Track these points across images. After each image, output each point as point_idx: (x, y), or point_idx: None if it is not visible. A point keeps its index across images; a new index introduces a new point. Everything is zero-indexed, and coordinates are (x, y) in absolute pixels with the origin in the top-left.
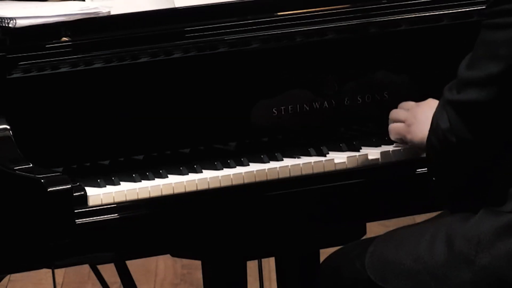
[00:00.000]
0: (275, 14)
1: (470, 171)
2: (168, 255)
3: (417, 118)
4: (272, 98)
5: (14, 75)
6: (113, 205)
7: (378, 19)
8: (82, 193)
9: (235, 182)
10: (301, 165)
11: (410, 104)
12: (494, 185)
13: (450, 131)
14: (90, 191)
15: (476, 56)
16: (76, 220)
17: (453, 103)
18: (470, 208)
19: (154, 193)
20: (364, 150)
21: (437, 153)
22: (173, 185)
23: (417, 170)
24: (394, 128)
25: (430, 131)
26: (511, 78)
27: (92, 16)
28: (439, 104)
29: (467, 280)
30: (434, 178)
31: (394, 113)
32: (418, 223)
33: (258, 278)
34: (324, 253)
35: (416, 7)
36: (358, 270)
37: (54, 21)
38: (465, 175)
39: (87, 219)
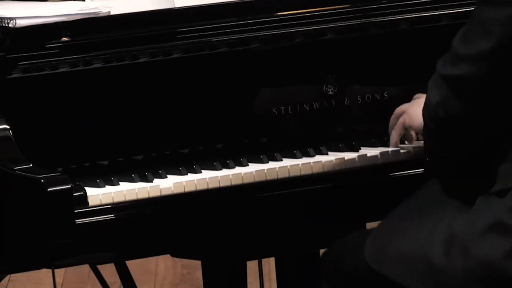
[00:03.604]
0: (275, 14)
1: (459, 147)
2: (168, 255)
3: (414, 105)
4: (272, 98)
5: (14, 75)
6: (112, 205)
7: (378, 19)
8: (82, 193)
9: (234, 183)
10: (300, 165)
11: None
12: (485, 164)
13: (440, 105)
14: (89, 191)
15: (470, 31)
16: (76, 220)
17: (445, 77)
18: (467, 192)
19: (153, 193)
20: (363, 150)
21: (427, 129)
22: (172, 185)
23: (417, 170)
24: (401, 120)
25: (423, 108)
26: (502, 55)
27: (92, 16)
28: (431, 79)
29: (460, 269)
30: (427, 159)
31: (397, 109)
32: (420, 214)
33: (258, 278)
34: None
35: (416, 7)
36: (360, 258)
37: (54, 21)
38: (455, 152)
39: (87, 219)
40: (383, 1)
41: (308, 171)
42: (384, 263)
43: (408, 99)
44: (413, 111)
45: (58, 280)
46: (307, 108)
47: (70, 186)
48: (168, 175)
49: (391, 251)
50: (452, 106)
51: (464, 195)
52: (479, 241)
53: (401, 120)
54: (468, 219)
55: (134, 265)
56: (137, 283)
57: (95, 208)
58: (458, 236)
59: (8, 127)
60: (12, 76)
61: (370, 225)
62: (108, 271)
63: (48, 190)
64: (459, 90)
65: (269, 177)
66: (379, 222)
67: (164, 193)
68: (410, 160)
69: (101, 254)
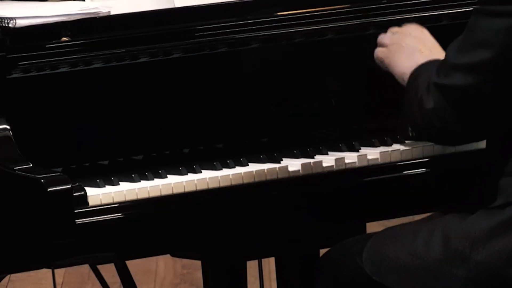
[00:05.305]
0: (275, 14)
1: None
2: (168, 255)
3: (400, 45)
4: (272, 98)
5: (14, 75)
6: (112, 205)
7: (378, 19)
8: (82, 193)
9: (234, 182)
10: (300, 166)
11: (396, 28)
12: (485, 179)
13: (434, 112)
14: (89, 191)
15: (468, 41)
16: (76, 220)
17: (439, 87)
18: (467, 207)
19: (153, 193)
20: (363, 151)
21: (419, 130)
22: (172, 185)
23: (417, 170)
24: (377, 52)
25: (415, 105)
26: (502, 65)
27: (92, 16)
28: (425, 83)
29: (462, 276)
30: (410, 128)
31: (380, 38)
32: (415, 221)
33: (258, 278)
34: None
35: (416, 7)
36: (358, 265)
37: (54, 21)
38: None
39: (87, 219)
40: (383, 1)
41: (308, 171)
42: (383, 271)
43: None
44: (397, 58)
45: (58, 280)
46: (307, 108)
47: (70, 186)
48: (168, 175)
49: (389, 259)
50: (447, 114)
51: (463, 207)
52: (480, 247)
53: (381, 55)
54: (467, 225)
55: (134, 265)
56: (137, 283)
57: (95, 208)
58: (457, 242)
59: (8, 127)
60: (12, 76)
61: (370, 226)
62: (108, 271)
63: (48, 190)
64: (453, 100)
65: (269, 177)
66: (379, 224)
67: (164, 193)
68: (410, 160)
69: (101, 254)
